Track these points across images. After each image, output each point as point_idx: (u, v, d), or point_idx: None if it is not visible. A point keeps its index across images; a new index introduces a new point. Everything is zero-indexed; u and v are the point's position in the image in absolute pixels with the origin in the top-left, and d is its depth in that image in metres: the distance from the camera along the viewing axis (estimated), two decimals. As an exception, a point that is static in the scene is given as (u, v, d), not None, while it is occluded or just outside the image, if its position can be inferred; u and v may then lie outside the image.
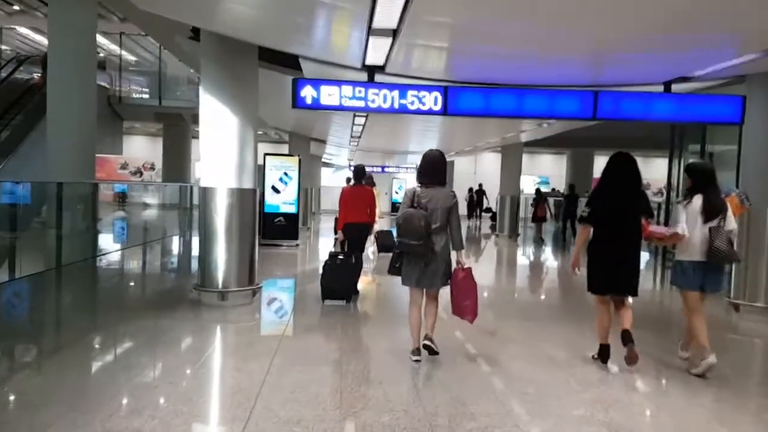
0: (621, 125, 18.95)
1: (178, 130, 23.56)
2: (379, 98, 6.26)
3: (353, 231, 7.38)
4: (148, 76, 24.62)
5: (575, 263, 5.05)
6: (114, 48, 24.84)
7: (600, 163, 29.40)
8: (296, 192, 13.61)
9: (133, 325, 5.98)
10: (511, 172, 18.04)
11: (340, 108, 6.29)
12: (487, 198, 24.40)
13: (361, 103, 6.28)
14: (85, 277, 9.27)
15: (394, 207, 31.68)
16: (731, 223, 4.73)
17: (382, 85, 6.26)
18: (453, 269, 4.82)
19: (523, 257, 15.17)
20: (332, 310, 6.81)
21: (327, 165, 31.06)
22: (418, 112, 6.34)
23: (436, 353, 4.80)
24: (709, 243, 4.62)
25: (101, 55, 26.09)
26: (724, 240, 4.60)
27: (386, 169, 30.50)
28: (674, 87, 6.52)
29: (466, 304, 4.80)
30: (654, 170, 32.66)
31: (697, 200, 4.73)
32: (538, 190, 17.68)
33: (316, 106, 6.24)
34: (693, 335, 4.84)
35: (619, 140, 22.63)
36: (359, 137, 15.22)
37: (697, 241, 4.69)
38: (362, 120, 11.57)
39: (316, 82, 6.22)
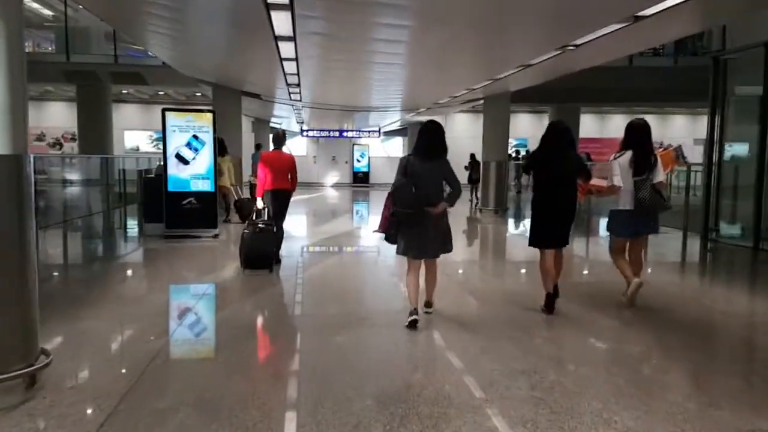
0: (613, 74, 16.06)
1: (94, 91, 19.65)
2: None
3: (274, 198, 7.14)
4: (54, 29, 20.35)
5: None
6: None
7: (587, 120, 26.78)
8: (211, 161, 9.82)
9: None
10: (495, 131, 14.50)
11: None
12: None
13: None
14: None
15: (356, 177, 28.01)
16: (659, 175, 5.29)
17: None
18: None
19: (514, 241, 11.69)
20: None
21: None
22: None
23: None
24: (634, 194, 5.21)
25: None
26: (648, 191, 5.16)
27: (345, 134, 26.59)
28: None
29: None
30: (671, 129, 29.57)
31: (628, 155, 5.28)
32: (472, 155, 17.35)
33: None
34: (620, 271, 5.50)
35: (612, 92, 19.72)
36: (298, 84, 11.37)
37: (629, 192, 5.26)
38: (291, 48, 7.74)
39: None
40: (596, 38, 7.11)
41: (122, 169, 15.88)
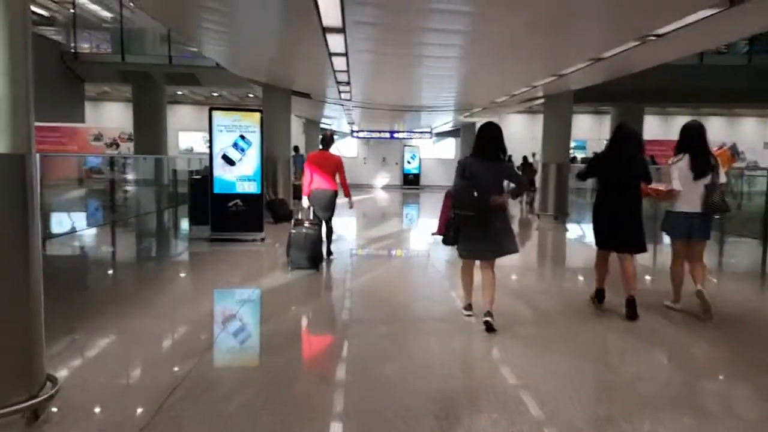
0: (681, 72, 14.94)
1: (149, 92, 19.75)
2: None
3: (318, 198, 7.31)
4: (109, 30, 20.69)
5: None
6: (67, -4, 20.91)
7: (650, 122, 25.45)
8: (258, 163, 9.45)
9: None
10: (556, 131, 13.64)
11: None
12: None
13: None
14: None
15: (406, 179, 27.44)
16: (721, 177, 5.22)
17: None
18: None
19: (579, 251, 10.83)
20: None
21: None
22: None
23: (494, 330, 4.66)
24: (705, 198, 5.11)
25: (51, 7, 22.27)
26: (718, 194, 5.13)
27: (396, 135, 26.03)
28: None
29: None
30: (740, 131, 27.75)
31: (686, 159, 5.20)
32: (525, 157, 17.75)
33: None
34: (672, 279, 5.49)
35: (679, 92, 18.50)
36: (348, 83, 10.89)
37: (692, 195, 5.16)
38: (340, 41, 7.22)
39: None
40: (681, 27, 6.30)
41: (174, 169, 15.87)
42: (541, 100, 14.45)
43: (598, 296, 5.53)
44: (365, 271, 7.70)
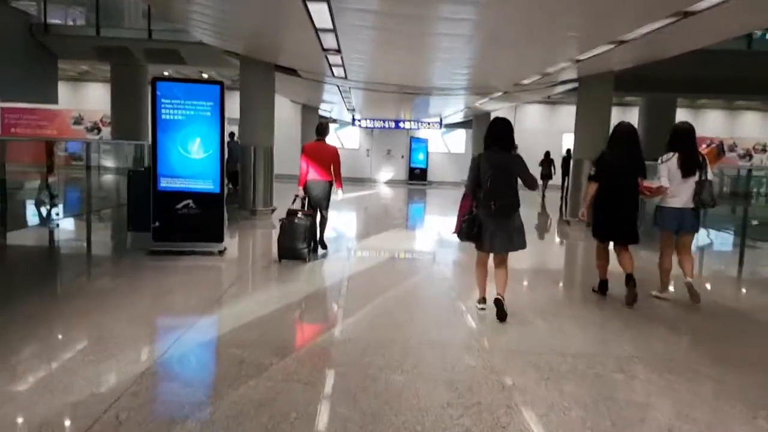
0: (724, 58, 12.66)
1: (128, 71, 17.72)
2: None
3: (313, 188, 7.22)
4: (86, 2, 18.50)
5: (584, 213, 5.75)
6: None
7: (680, 115, 23.06)
8: (216, 151, 7.22)
9: None
10: (592, 121, 11.32)
11: None
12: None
13: None
14: None
15: (413, 173, 25.17)
16: (709, 174, 5.53)
17: None
18: None
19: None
20: None
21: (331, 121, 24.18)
22: None
23: (504, 316, 4.88)
24: (695, 194, 5.46)
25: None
26: (708, 192, 5.45)
27: (402, 125, 23.72)
28: None
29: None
30: (741, 127, 25.83)
31: (674, 158, 5.53)
32: (547, 153, 18.40)
33: None
34: (661, 269, 5.83)
35: (721, 81, 16.19)
36: (338, 50, 8.58)
37: (681, 191, 5.51)
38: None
39: None
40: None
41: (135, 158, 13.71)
42: (571, 85, 12.19)
43: (602, 288, 5.88)
44: (363, 278, 6.74)
